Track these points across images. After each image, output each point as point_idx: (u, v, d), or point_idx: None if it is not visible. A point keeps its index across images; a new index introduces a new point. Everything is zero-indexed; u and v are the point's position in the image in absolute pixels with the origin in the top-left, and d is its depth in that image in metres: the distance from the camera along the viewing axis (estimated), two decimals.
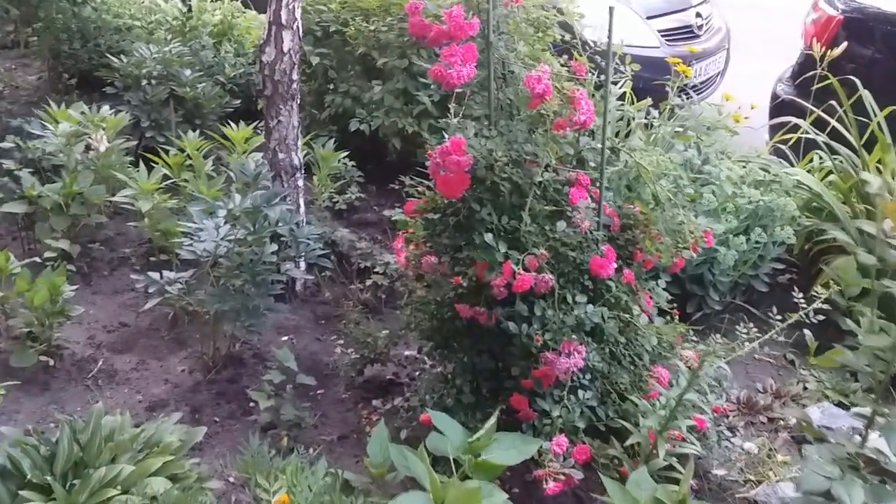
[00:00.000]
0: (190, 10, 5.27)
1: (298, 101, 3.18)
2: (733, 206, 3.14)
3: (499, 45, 2.19)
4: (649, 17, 5.40)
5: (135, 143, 4.02)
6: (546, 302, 2.08)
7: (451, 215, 2.24)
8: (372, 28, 4.11)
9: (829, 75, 3.57)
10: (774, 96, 4.50)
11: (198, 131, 3.80)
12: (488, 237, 2.07)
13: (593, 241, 2.17)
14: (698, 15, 5.68)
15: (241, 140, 3.60)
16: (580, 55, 3.46)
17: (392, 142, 4.13)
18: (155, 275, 2.79)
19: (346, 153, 3.98)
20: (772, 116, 4.30)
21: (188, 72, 4.43)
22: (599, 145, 2.27)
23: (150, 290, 2.79)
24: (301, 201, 3.31)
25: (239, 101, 4.66)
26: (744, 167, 3.39)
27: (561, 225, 2.11)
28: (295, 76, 3.10)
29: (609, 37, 2.24)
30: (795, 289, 2.22)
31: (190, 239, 2.62)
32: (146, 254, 3.60)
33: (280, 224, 2.71)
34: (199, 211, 2.76)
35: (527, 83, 2.08)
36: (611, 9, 2.23)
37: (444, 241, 2.27)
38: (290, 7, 2.94)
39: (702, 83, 5.63)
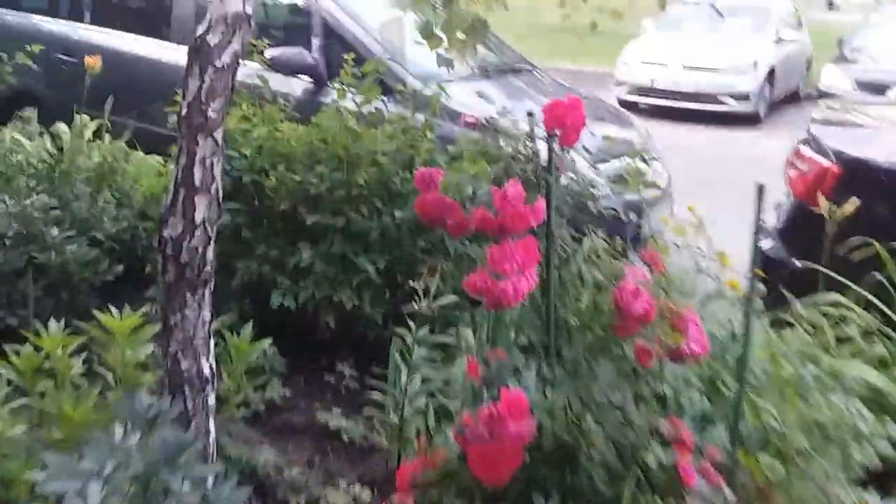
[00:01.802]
0: (61, 150, 4.34)
1: (210, 287, 2.29)
2: None
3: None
4: (597, 163, 4.91)
5: None
6: None
7: None
8: (299, 179, 3.31)
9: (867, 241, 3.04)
10: (759, 253, 3.96)
11: (64, 317, 2.80)
12: None
13: None
14: (643, 160, 5.26)
15: (124, 332, 2.64)
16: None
17: (325, 319, 3.26)
18: None
19: (269, 340, 3.06)
20: (764, 280, 3.74)
21: (55, 230, 3.45)
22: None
23: None
24: (211, 425, 2.36)
25: (121, 267, 3.68)
26: None
27: None
28: (210, 256, 2.23)
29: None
30: None
31: None
32: None
33: (187, 487, 1.76)
34: (58, 463, 1.78)
35: (620, 300, 1.31)
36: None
37: None
38: (208, 163, 2.10)
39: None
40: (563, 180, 2.78)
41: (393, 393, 2.74)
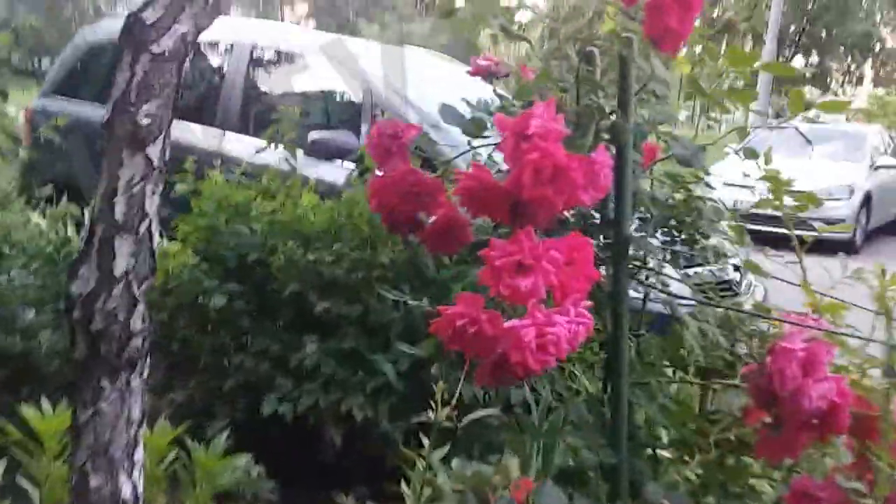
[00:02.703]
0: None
1: (145, 372, 1.65)
2: None
3: None
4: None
5: None
6: None
7: None
8: (312, 258, 2.71)
9: None
10: None
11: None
12: None
13: None
14: (736, 268, 4.55)
15: (53, 436, 2.01)
16: None
17: (330, 432, 2.57)
18: None
19: (251, 455, 2.37)
20: None
21: (31, 313, 2.93)
22: None
23: None
24: None
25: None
26: None
27: None
28: (138, 324, 1.61)
29: None
30: None
31: None
32: None
33: None
34: None
35: (774, 377, 0.61)
36: None
37: None
38: (136, 190, 1.52)
39: None
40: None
41: None
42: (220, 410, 2.70)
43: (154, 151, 1.50)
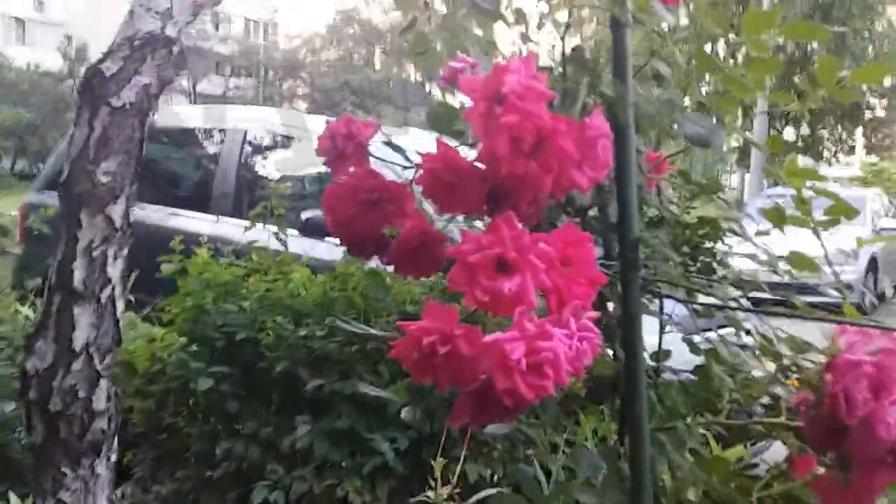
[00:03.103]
0: None
1: (112, 458, 1.51)
2: None
3: None
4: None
5: None
6: None
7: None
8: (302, 333, 2.57)
9: None
10: None
11: None
12: None
13: None
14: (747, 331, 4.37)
15: None
16: None
17: None
18: None
19: None
20: None
21: None
22: None
23: None
24: None
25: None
26: None
27: None
28: (102, 403, 1.47)
29: None
30: None
31: None
32: None
33: None
34: None
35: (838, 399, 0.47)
36: None
37: None
38: (97, 254, 1.40)
39: None
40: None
41: None
42: (208, 502, 2.51)
43: (116, 212, 1.39)
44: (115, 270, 1.43)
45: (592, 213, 0.75)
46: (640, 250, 0.69)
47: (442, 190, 0.60)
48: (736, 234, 0.93)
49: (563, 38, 0.69)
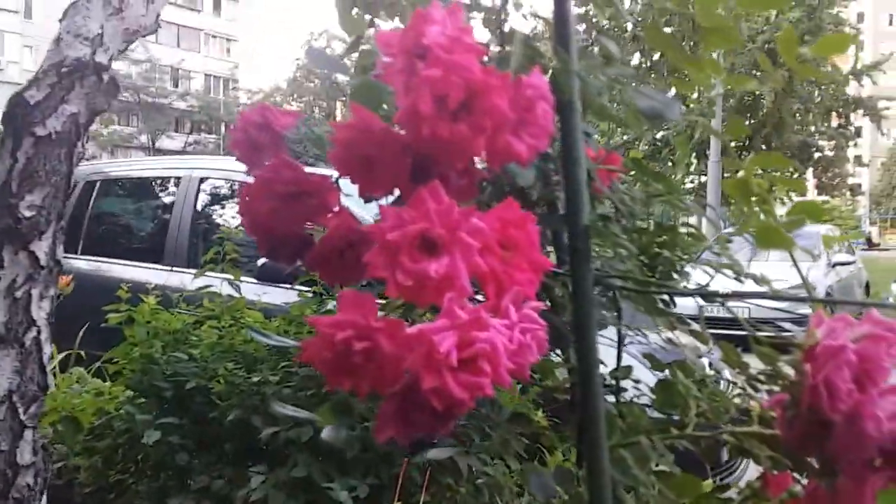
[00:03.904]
0: None
1: None
2: None
3: None
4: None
5: None
6: None
7: None
8: (256, 380, 2.47)
9: None
10: None
11: None
12: None
13: None
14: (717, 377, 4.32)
15: None
16: None
17: None
18: None
19: None
20: None
21: None
22: None
23: None
24: None
25: None
26: None
27: None
28: (27, 456, 1.37)
29: None
30: None
31: None
32: None
33: None
34: None
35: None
36: None
37: None
38: (20, 294, 1.30)
39: None
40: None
41: None
42: None
43: (41, 248, 1.30)
44: (40, 312, 1.33)
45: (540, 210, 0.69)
46: (592, 243, 0.63)
47: (359, 166, 0.53)
48: (696, 238, 0.88)
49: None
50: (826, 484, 0.57)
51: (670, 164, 20.60)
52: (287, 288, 4.19)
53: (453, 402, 0.45)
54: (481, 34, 0.69)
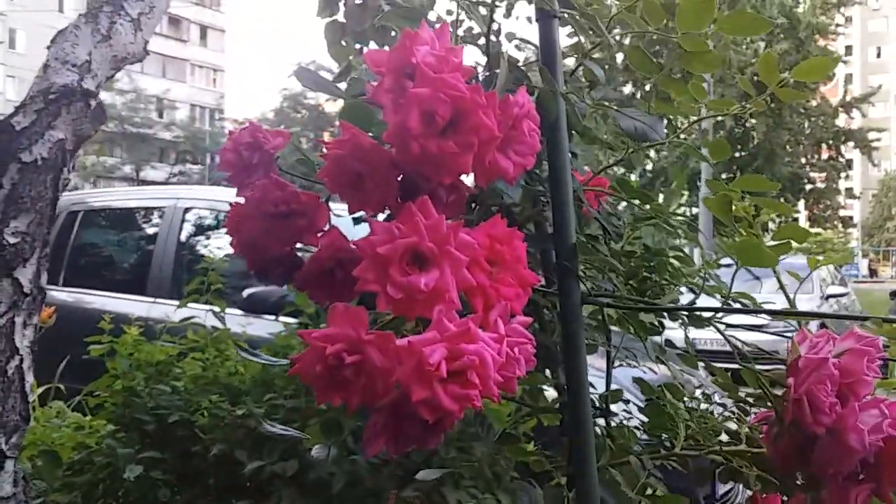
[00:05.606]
0: None
1: None
2: None
3: None
4: None
5: None
6: None
7: None
8: (240, 413, 2.43)
9: None
10: None
11: None
12: None
13: None
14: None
15: None
16: None
17: None
18: None
19: None
20: None
21: None
22: None
23: None
24: None
25: None
26: None
27: None
28: (7, 488, 1.33)
29: None
30: None
31: None
32: None
33: None
34: None
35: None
36: None
37: None
38: (2, 322, 1.28)
39: None
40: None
41: None
42: None
43: (25, 275, 1.29)
44: (23, 340, 1.31)
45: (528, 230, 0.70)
46: (580, 262, 0.63)
47: (349, 182, 0.53)
48: (684, 262, 0.88)
49: (487, 35, 0.65)
50: (811, 498, 0.57)
51: (660, 195, 20.88)
52: (272, 319, 4.17)
53: (443, 413, 0.45)
54: (472, 57, 0.70)
